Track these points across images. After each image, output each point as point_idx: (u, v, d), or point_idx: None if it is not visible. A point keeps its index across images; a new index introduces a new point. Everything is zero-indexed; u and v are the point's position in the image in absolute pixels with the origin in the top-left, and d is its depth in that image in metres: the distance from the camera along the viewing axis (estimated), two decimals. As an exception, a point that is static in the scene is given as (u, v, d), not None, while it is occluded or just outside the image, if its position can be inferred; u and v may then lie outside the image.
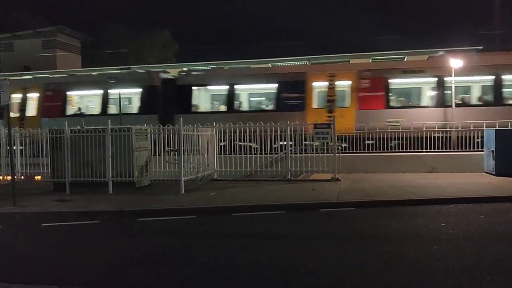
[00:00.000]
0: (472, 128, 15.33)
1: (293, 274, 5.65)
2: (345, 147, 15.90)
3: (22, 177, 14.50)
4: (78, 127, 13.25)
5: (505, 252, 6.39)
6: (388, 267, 5.75)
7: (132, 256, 6.80)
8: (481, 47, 20.99)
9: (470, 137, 15.36)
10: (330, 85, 18.10)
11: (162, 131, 13.67)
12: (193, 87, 19.56)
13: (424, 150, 15.68)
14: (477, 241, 7.06)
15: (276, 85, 18.67)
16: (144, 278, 5.68)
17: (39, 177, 14.41)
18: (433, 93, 17.78)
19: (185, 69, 22.06)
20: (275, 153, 14.76)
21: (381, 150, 16.03)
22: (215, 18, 64.87)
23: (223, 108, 19.51)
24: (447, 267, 5.68)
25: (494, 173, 13.84)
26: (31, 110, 21.07)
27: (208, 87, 20.18)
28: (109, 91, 20.36)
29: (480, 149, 15.20)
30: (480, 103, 17.52)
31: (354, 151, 16.11)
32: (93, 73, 24.16)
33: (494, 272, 5.47)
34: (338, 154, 13.96)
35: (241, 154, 14.52)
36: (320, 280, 5.41)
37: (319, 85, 18.34)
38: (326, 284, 5.25)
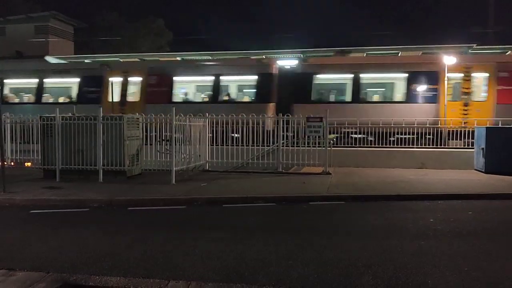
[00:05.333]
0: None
1: (281, 265, 5.68)
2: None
3: (12, 164, 14.39)
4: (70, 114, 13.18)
5: (491, 249, 6.46)
6: (375, 261, 5.79)
7: (120, 244, 6.79)
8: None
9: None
10: None
11: (154, 120, 13.62)
12: None
13: (415, 146, 15.81)
14: (465, 237, 7.13)
15: None
16: (129, 265, 5.68)
17: (29, 164, 14.31)
18: None
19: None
20: (267, 145, 14.77)
21: (373, 145, 16.14)
22: (210, 7, 64.50)
23: None
24: (433, 262, 5.74)
25: (483, 170, 13.97)
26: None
27: None
28: None
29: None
30: None
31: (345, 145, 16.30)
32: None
33: (479, 268, 5.54)
34: (329, 148, 14.01)
35: (233, 145, 14.52)
36: (308, 271, 5.45)
37: None
38: (314, 275, 5.29)
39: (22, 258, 6.07)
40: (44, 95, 21.82)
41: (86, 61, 24.05)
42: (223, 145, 14.64)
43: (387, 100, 18.36)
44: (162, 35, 44.39)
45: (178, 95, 20.25)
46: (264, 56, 20.83)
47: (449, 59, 16.85)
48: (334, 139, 15.68)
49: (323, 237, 7.13)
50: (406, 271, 5.41)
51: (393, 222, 8.27)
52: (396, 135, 16.01)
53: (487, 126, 14.65)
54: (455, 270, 5.45)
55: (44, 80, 21.81)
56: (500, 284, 5.05)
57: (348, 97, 18.53)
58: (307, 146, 14.20)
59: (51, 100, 21.63)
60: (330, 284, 5.06)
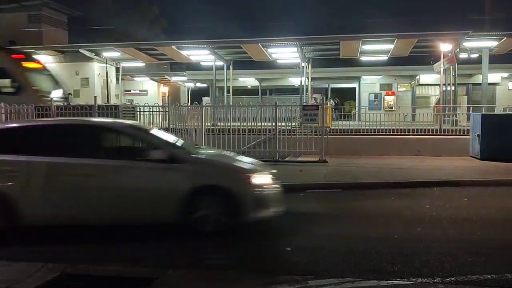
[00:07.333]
0: None
1: (279, 254, 5.72)
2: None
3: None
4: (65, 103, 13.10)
5: (486, 235, 6.52)
6: (372, 247, 5.82)
7: (118, 234, 6.80)
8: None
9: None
10: None
11: (150, 109, 13.56)
12: None
13: (411, 134, 15.85)
14: (460, 223, 7.19)
15: None
16: (128, 254, 5.70)
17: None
18: None
19: None
20: (264, 134, 14.74)
21: (369, 133, 16.17)
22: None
23: None
24: (430, 248, 5.78)
25: (479, 157, 14.01)
26: None
27: None
28: None
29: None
30: None
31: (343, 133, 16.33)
32: None
33: (475, 254, 5.58)
34: (326, 136, 14.01)
35: (229, 134, 14.48)
36: (306, 257, 5.49)
37: None
38: (311, 262, 5.32)
39: (21, 249, 6.06)
40: None
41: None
42: (219, 134, 14.60)
43: None
44: (157, 23, 44.08)
45: None
46: None
47: None
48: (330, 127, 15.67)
49: (320, 225, 7.17)
50: (402, 257, 5.44)
51: (390, 209, 8.32)
52: None
53: (483, 113, 14.67)
54: (451, 256, 5.49)
55: None
56: (497, 271, 5.10)
57: None
58: (304, 135, 14.19)
59: None
60: (327, 271, 5.09)
